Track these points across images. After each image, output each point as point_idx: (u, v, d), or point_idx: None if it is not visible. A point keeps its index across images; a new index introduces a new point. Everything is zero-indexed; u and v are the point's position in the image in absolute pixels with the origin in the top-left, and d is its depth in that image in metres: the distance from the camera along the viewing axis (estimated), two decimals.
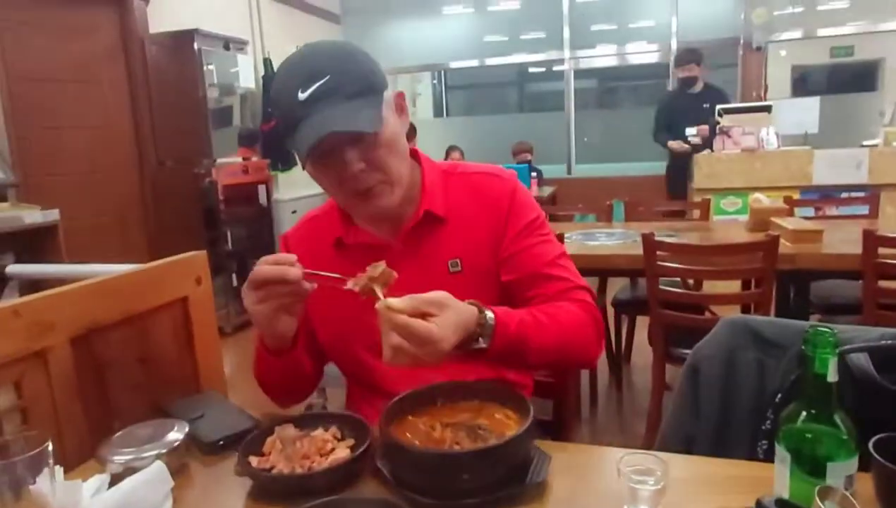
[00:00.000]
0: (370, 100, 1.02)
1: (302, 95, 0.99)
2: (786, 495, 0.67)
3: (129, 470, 0.91)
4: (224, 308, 4.69)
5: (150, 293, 1.25)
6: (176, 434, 0.99)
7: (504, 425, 0.91)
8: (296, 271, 0.97)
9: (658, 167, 5.70)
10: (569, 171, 6.84)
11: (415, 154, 1.18)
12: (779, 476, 0.70)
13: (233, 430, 1.04)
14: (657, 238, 2.26)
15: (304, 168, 1.05)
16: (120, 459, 0.93)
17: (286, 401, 1.26)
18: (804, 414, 0.68)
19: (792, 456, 0.68)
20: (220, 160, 4.75)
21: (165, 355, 1.27)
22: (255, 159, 5.10)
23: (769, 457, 1.05)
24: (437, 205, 1.13)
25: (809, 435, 0.68)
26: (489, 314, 0.96)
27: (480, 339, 0.95)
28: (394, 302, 0.87)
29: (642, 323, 3.21)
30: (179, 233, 4.59)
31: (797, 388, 1.02)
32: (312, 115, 0.98)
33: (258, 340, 1.11)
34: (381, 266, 0.93)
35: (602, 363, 3.18)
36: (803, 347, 0.68)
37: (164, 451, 0.95)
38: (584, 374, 3.02)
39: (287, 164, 5.56)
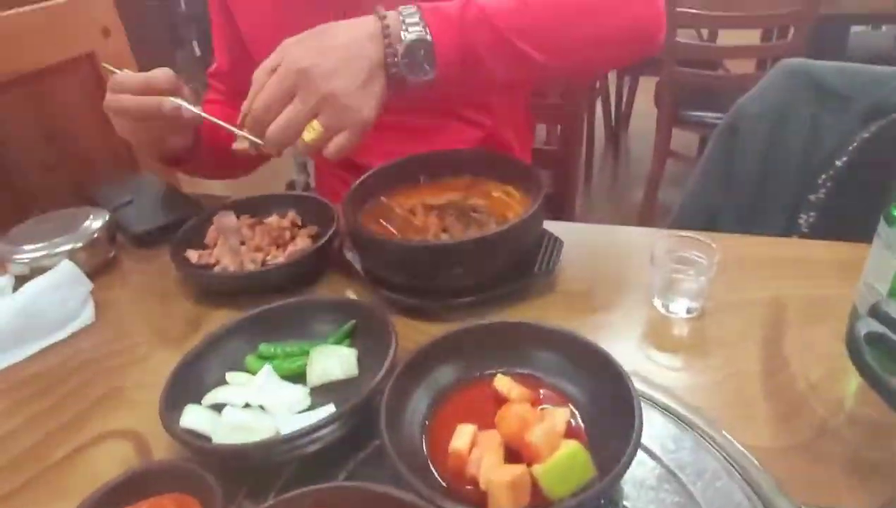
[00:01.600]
0: None
1: None
2: (885, 288, 0.50)
3: (39, 271, 0.73)
4: (189, 83, 4.26)
5: (38, 46, 0.95)
6: (93, 224, 0.79)
7: (504, 205, 0.72)
8: (169, 104, 0.71)
9: None
10: None
11: None
12: (878, 263, 0.52)
13: (167, 219, 0.84)
14: None
15: None
16: (23, 257, 0.74)
17: (228, 176, 1.04)
18: None
19: None
20: None
21: (80, 130, 1.02)
22: None
23: (816, 233, 0.90)
24: None
25: None
26: (404, 15, 0.62)
27: (405, 67, 0.61)
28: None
29: (645, 85, 2.92)
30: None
31: (872, 151, 0.82)
32: None
33: None
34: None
35: (598, 129, 2.96)
36: None
37: (79, 245, 0.76)
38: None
39: None
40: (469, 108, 0.95)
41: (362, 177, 0.75)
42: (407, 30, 0.61)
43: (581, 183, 2.79)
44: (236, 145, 0.67)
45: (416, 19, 0.62)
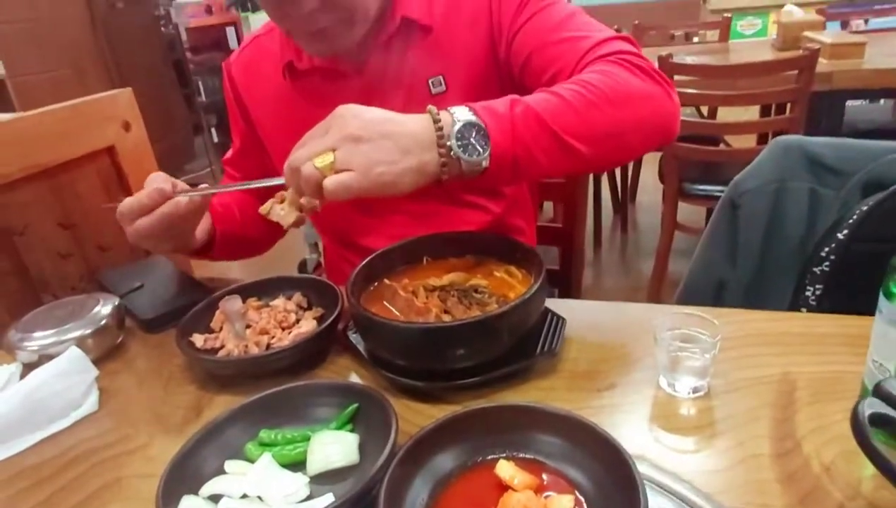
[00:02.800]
0: None
1: None
2: (893, 366, 0.49)
3: (47, 358, 0.73)
4: (208, 167, 4.44)
5: (62, 142, 1.00)
6: (102, 310, 0.80)
7: (506, 285, 0.72)
8: (183, 200, 0.76)
9: None
10: None
11: None
12: (883, 340, 0.51)
13: (175, 304, 0.85)
14: (674, 60, 1.96)
15: None
16: (31, 345, 0.75)
17: (248, 255, 1.08)
18: None
19: None
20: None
21: (96, 219, 1.06)
22: None
23: (824, 306, 0.89)
24: (417, 7, 0.85)
25: None
26: (454, 109, 0.64)
27: (459, 147, 0.62)
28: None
29: (649, 159, 2.98)
30: (150, 89, 4.16)
31: (873, 223, 0.83)
32: None
33: None
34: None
35: (606, 203, 2.99)
36: None
37: (88, 331, 0.77)
38: (588, 215, 2.85)
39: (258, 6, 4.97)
40: (477, 194, 0.97)
41: (366, 259, 0.76)
42: (457, 117, 0.63)
43: (587, 258, 2.80)
44: (262, 210, 0.69)
45: (465, 111, 0.64)
